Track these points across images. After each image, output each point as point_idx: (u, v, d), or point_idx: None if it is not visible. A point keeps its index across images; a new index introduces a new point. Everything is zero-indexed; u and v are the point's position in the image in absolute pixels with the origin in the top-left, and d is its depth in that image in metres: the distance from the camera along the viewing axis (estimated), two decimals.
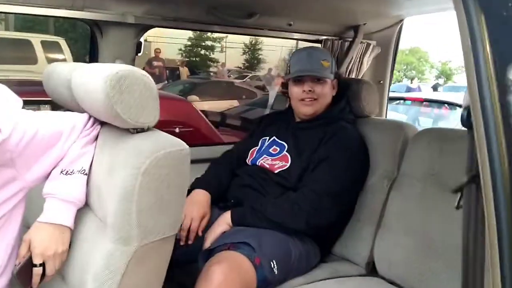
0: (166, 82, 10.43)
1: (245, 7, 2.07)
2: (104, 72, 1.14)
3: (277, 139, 1.95)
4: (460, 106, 5.46)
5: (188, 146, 1.21)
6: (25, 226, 1.34)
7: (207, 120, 3.57)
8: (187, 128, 3.32)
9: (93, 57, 1.98)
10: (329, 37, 2.47)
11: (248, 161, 1.97)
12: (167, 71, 11.40)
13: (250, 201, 1.78)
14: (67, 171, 1.28)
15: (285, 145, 1.90)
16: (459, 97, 6.19)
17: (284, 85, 2.04)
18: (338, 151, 1.78)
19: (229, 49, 17.86)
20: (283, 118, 2.05)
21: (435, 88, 14.47)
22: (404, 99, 5.65)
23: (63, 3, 1.73)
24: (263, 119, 2.17)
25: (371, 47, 2.51)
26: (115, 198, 1.10)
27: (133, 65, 1.99)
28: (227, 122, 5.85)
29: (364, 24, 2.44)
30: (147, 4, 1.87)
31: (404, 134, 1.85)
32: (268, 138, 1.98)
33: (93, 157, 1.33)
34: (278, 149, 1.91)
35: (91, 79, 1.20)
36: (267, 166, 1.87)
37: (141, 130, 1.22)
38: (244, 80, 12.47)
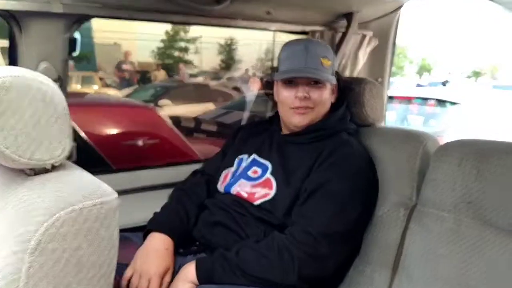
0: (137, 86, 9.93)
1: None
2: None
3: (258, 158, 1.51)
4: (451, 103, 5.14)
5: (116, 194, 0.76)
6: None
7: (175, 130, 3.11)
8: (153, 140, 2.85)
9: (12, 60, 1.50)
10: (318, 28, 2.03)
11: (221, 187, 1.52)
12: (138, 74, 10.85)
13: (222, 244, 1.34)
14: None
15: (269, 165, 1.46)
16: (444, 93, 5.88)
17: (269, 85, 1.58)
18: (339, 174, 1.35)
19: (205, 50, 17.37)
20: (266, 128, 1.61)
21: (444, 85, 14.08)
22: (392, 97, 5.27)
23: None
24: (240, 130, 1.70)
25: (367, 38, 2.09)
26: None
27: (66, 67, 1.54)
28: (202, 127, 5.39)
29: (358, 11, 2.01)
30: None
31: (423, 147, 1.43)
32: (246, 156, 1.54)
33: None
34: (260, 171, 1.47)
35: None
36: (245, 195, 1.43)
37: (42, 171, 0.77)
38: (220, 81, 12.01)
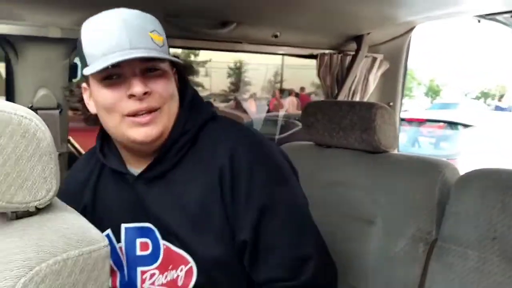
0: None
1: (217, 14, 1.56)
2: None
3: (129, 225, 1.03)
4: (464, 125, 5.05)
5: (107, 241, 0.68)
6: None
7: None
8: None
9: (9, 87, 1.45)
10: (326, 51, 1.97)
11: None
12: None
13: None
14: None
15: (150, 227, 1.00)
16: (453, 115, 5.79)
17: (74, 96, 1.06)
18: (274, 195, 0.97)
19: (214, 73, 17.49)
20: (105, 172, 1.07)
21: None
22: (403, 119, 5.20)
23: None
24: (68, 186, 1.09)
25: (377, 61, 2.03)
26: None
27: (67, 95, 1.48)
28: None
29: (368, 34, 1.95)
30: (78, 11, 1.35)
31: (442, 177, 1.33)
32: (109, 231, 1.04)
33: None
34: (148, 240, 1.01)
35: None
36: None
37: (25, 214, 0.69)
38: (229, 103, 12.03)
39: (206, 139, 1.00)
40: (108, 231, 1.03)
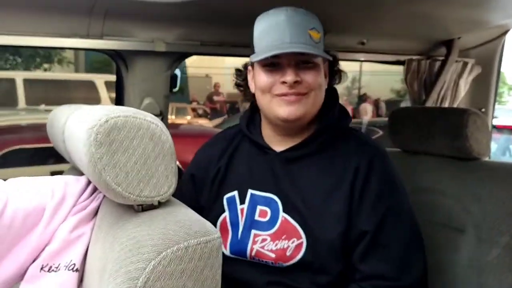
0: (226, 116, 10.33)
1: None
2: (90, 120, 0.74)
3: (256, 192, 1.15)
4: None
5: (219, 234, 0.76)
6: None
7: None
8: None
9: (119, 96, 1.61)
10: (414, 57, 1.96)
11: (225, 247, 1.17)
12: (227, 105, 11.30)
13: None
14: (50, 267, 0.90)
15: (276, 199, 1.12)
16: None
17: (240, 75, 1.24)
18: (399, 197, 1.12)
19: None
20: (238, 144, 1.24)
21: None
22: (494, 126, 4.92)
23: (76, 31, 1.38)
24: (204, 153, 1.29)
25: (468, 66, 1.98)
26: None
27: (167, 102, 1.61)
28: None
29: (459, 38, 1.91)
30: (180, 27, 1.48)
31: None
32: (236, 193, 1.18)
33: (89, 243, 0.92)
34: (268, 210, 1.13)
35: (77, 131, 0.81)
36: (272, 256, 1.10)
37: (149, 207, 0.80)
38: None
39: (345, 140, 1.14)
40: (235, 192, 1.17)
